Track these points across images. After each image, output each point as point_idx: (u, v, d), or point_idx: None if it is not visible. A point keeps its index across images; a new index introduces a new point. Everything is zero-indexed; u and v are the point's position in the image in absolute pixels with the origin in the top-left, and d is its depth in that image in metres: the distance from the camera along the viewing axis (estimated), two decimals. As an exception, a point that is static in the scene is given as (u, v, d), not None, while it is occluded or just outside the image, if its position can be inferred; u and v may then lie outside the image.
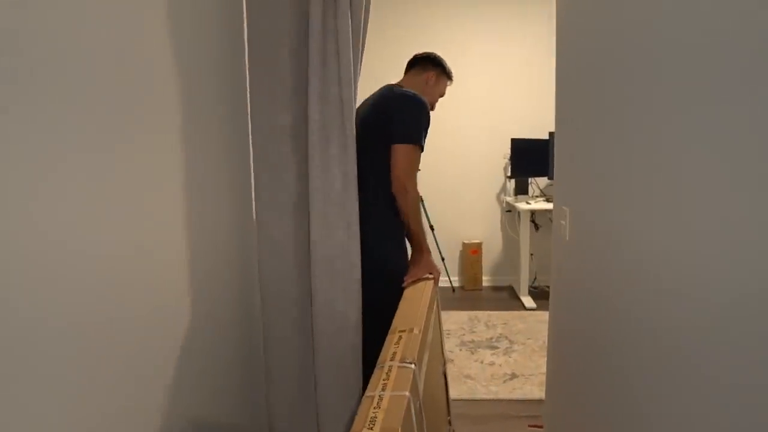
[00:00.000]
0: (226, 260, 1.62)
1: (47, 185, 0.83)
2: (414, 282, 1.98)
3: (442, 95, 2.25)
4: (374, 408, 1.01)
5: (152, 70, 1.18)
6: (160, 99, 1.21)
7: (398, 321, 1.53)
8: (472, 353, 3.32)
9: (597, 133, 1.43)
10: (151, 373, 1.17)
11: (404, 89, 1.99)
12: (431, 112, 2.17)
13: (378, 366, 1.20)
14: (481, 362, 3.17)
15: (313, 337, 1.79)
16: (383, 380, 1.11)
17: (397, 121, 1.89)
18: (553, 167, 4.25)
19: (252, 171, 1.79)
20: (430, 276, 2.03)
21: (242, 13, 1.75)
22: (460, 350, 3.37)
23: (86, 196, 0.93)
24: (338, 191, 1.73)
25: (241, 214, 1.76)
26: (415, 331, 1.41)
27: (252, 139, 1.75)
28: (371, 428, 0.94)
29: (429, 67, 2.19)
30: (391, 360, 1.22)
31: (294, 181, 1.77)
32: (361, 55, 1.82)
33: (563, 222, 1.72)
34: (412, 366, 1.17)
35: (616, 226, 1.30)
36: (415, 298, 1.76)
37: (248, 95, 1.75)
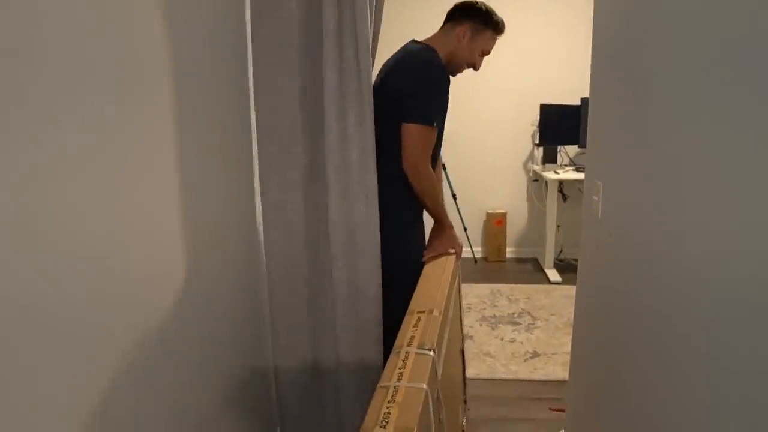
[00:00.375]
0: (227, 248, 1.51)
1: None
2: (435, 257, 1.87)
3: (485, 53, 1.89)
4: (388, 402, 0.92)
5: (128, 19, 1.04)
6: (138, 56, 1.07)
7: (417, 300, 1.42)
8: (493, 329, 3.20)
9: (635, 103, 1.27)
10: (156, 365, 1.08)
11: (424, 52, 1.76)
12: (475, 71, 1.94)
13: (394, 351, 1.11)
14: (502, 339, 3.05)
15: (335, 312, 1.68)
16: (399, 369, 1.02)
17: (407, 96, 1.69)
18: (584, 135, 4.08)
19: (255, 143, 1.65)
20: (452, 251, 1.91)
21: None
22: (481, 326, 3.25)
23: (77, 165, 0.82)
24: (355, 165, 1.59)
25: (243, 192, 1.63)
26: (435, 312, 1.31)
27: (255, 105, 1.61)
28: (384, 426, 0.85)
29: (462, 19, 1.84)
30: (408, 345, 1.12)
31: (303, 153, 1.64)
32: (379, 15, 1.65)
33: (596, 198, 1.57)
34: (431, 353, 1.08)
35: (655, 205, 1.15)
36: (436, 276, 1.65)
37: (249, 52, 1.60)
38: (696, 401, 0.98)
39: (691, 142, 0.99)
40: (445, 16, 1.90)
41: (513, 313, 3.44)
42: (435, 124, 1.73)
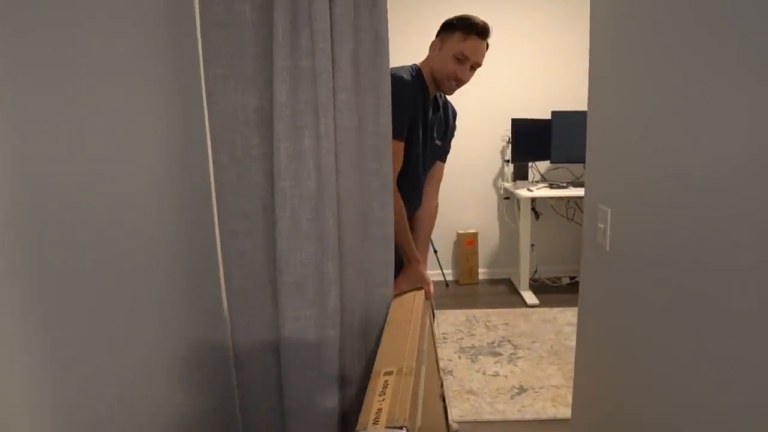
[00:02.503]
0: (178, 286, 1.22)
1: None
2: (401, 293, 1.65)
3: (464, 58, 1.69)
4: None
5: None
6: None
7: (383, 357, 1.19)
8: (473, 362, 2.95)
9: (649, 117, 1.05)
10: None
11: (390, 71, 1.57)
12: (462, 84, 1.76)
13: (358, 431, 0.89)
14: (484, 373, 2.81)
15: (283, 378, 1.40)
16: None
17: None
18: (557, 150, 3.93)
19: (211, 167, 1.38)
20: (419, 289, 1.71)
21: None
22: (460, 358, 3.00)
23: None
24: (312, 193, 1.33)
25: (195, 223, 1.36)
26: (405, 371, 1.08)
27: (209, 126, 1.34)
28: None
29: (438, 34, 1.77)
30: (375, 423, 0.89)
31: (263, 179, 1.37)
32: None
33: (601, 225, 1.35)
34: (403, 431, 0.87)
35: (678, 234, 0.93)
36: (403, 321, 1.41)
37: (201, 69, 1.33)
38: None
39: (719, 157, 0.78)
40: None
41: (492, 342, 3.21)
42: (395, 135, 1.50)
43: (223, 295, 1.47)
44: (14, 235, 0.73)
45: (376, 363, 1.16)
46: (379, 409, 0.94)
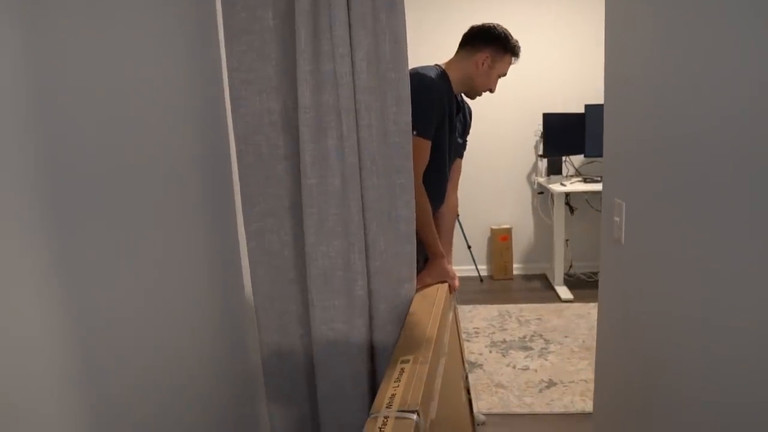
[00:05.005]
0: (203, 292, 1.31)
1: None
2: (425, 287, 1.69)
3: (502, 75, 1.90)
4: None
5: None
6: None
7: (401, 347, 1.23)
8: (504, 356, 2.98)
9: (664, 108, 1.07)
10: None
11: (417, 71, 1.70)
12: (491, 94, 1.95)
13: (371, 416, 0.92)
14: (514, 367, 2.84)
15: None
16: None
17: None
18: (590, 144, 3.90)
19: (235, 169, 1.46)
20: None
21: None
22: (491, 352, 3.03)
23: None
24: (337, 189, 1.40)
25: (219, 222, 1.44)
26: (421, 360, 1.12)
27: (235, 129, 1.42)
28: None
29: (480, 45, 1.82)
30: (387, 407, 0.93)
31: (289, 178, 1.44)
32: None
33: (617, 219, 1.37)
34: (414, 417, 0.90)
35: (691, 229, 0.95)
36: (424, 313, 1.45)
37: (224, 76, 1.41)
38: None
39: (730, 152, 0.80)
40: (460, 41, 1.88)
41: (524, 337, 3.23)
42: (416, 133, 1.60)
43: (247, 294, 1.54)
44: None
45: (394, 352, 1.21)
46: (393, 395, 0.98)
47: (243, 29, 1.34)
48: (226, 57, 1.35)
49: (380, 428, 0.86)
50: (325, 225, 1.41)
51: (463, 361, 1.93)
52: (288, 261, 1.49)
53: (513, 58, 1.87)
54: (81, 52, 0.90)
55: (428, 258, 1.81)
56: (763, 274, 0.77)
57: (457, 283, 1.80)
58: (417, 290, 1.60)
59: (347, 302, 1.45)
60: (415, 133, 1.57)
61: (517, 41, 1.86)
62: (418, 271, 1.66)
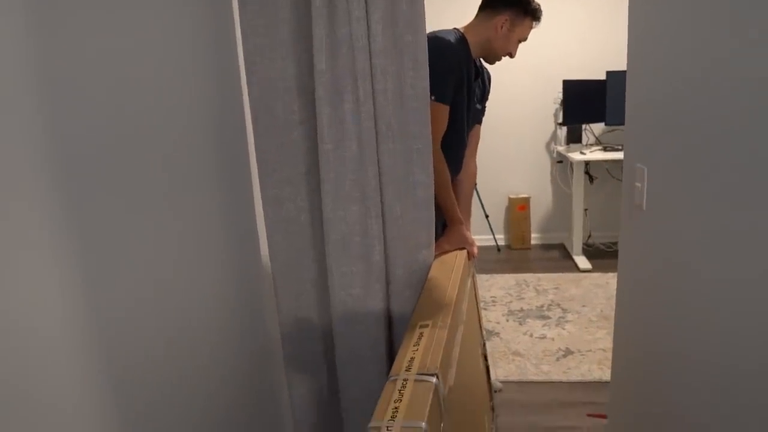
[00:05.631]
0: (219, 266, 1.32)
1: None
2: (444, 253, 1.68)
3: (523, 39, 1.84)
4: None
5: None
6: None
7: (420, 311, 1.22)
8: (521, 324, 2.98)
9: (688, 72, 1.03)
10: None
11: (435, 35, 1.68)
12: (511, 59, 1.91)
13: (390, 378, 0.93)
14: (531, 335, 2.84)
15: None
16: (395, 402, 0.84)
17: None
18: (611, 112, 3.83)
19: (251, 135, 1.45)
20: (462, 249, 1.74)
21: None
22: (508, 321, 3.04)
23: None
24: (354, 154, 1.38)
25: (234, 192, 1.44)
26: (440, 325, 1.11)
27: (249, 95, 1.40)
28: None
29: (500, 8, 1.77)
30: (407, 370, 0.94)
31: (305, 143, 1.43)
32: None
33: (638, 184, 1.34)
34: (434, 380, 0.90)
35: (712, 196, 0.93)
36: (442, 279, 1.45)
37: (239, 41, 1.39)
38: (754, 407, 0.77)
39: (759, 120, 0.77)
40: (480, 4, 1.83)
41: (541, 306, 3.22)
42: (434, 99, 1.58)
43: (264, 262, 1.55)
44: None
45: (412, 317, 1.21)
46: (412, 358, 0.98)
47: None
48: (240, 21, 1.33)
49: (400, 391, 0.87)
50: (341, 191, 1.40)
51: (480, 329, 1.93)
52: (305, 227, 1.49)
53: (534, 22, 1.82)
54: (90, 21, 0.89)
55: (446, 224, 1.80)
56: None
57: (475, 250, 1.80)
58: (435, 257, 1.60)
59: (365, 268, 1.45)
60: (433, 98, 1.56)
61: (538, 4, 1.81)
62: (437, 238, 1.64)
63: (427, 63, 1.39)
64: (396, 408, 0.82)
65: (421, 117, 1.41)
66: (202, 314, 1.24)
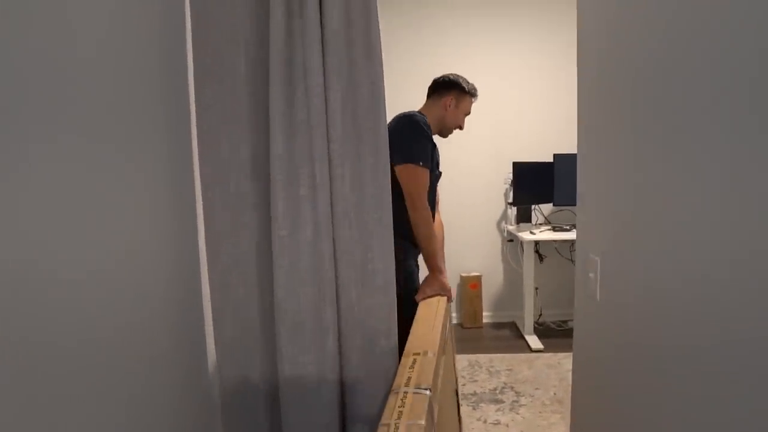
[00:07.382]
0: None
1: None
2: (425, 298, 1.98)
3: (467, 113, 2.24)
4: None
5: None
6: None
7: (412, 342, 1.46)
8: (474, 409, 2.91)
9: (642, 159, 1.06)
10: None
11: (406, 115, 2.03)
12: (460, 131, 2.30)
13: (393, 392, 1.16)
14: (485, 421, 2.76)
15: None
16: (398, 407, 1.07)
17: (397, 143, 1.77)
18: (559, 194, 3.95)
19: (200, 211, 1.40)
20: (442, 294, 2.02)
21: (184, 10, 1.38)
22: (461, 405, 2.95)
23: None
24: (309, 241, 1.35)
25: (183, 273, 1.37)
26: (430, 354, 1.36)
27: (201, 175, 1.37)
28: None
29: (444, 92, 2.18)
30: (406, 385, 1.18)
31: (257, 227, 1.39)
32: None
33: (591, 275, 1.35)
34: (427, 392, 1.14)
35: (673, 287, 0.93)
36: (429, 317, 1.72)
37: (192, 121, 1.36)
38: None
39: (711, 206, 0.79)
40: (427, 92, 2.25)
41: (495, 389, 3.17)
42: (421, 164, 1.94)
43: (209, 348, 1.46)
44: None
45: (407, 345, 1.43)
46: (409, 377, 1.21)
47: (213, 76, 1.30)
48: (196, 103, 1.31)
49: (402, 399, 1.09)
50: (296, 277, 1.35)
51: (454, 367, 2.20)
52: (254, 314, 1.42)
53: (472, 98, 2.23)
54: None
55: (428, 269, 2.06)
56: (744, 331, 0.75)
57: (452, 295, 2.11)
58: (419, 299, 1.96)
59: (317, 357, 1.39)
60: (420, 164, 1.94)
61: (473, 84, 2.22)
62: (416, 278, 2.10)
63: (388, 151, 1.39)
64: (400, 411, 1.05)
65: (380, 203, 1.40)
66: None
